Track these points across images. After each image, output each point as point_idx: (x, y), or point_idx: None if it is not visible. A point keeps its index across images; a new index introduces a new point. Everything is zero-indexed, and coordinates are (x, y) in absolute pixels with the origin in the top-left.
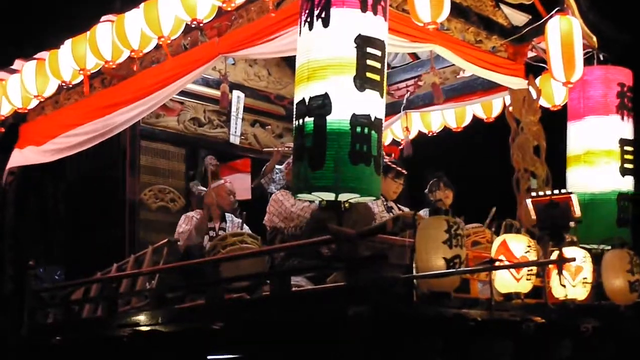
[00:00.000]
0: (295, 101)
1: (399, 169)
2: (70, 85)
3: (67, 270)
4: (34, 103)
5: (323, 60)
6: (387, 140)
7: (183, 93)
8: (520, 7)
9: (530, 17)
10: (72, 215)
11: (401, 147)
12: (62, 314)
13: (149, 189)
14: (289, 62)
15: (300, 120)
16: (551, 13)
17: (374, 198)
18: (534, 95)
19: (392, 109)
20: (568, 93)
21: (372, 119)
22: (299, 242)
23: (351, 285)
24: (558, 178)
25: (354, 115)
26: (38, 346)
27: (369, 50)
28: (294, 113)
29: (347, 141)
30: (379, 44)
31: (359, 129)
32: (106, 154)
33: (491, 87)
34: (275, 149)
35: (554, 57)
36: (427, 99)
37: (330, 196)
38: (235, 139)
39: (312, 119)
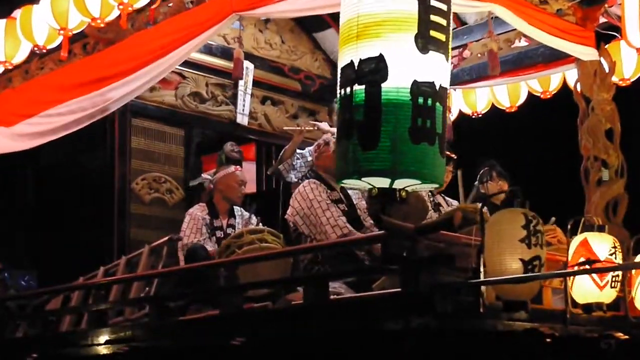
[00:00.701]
0: (341, 65)
1: (448, 152)
2: (45, 50)
3: (39, 275)
4: None
5: (378, 15)
6: None
7: (182, 62)
8: None
9: None
10: (45, 209)
11: None
12: (37, 327)
13: (142, 177)
14: (305, 28)
15: (348, 89)
16: None
17: (437, 185)
18: (607, 69)
19: None
20: None
21: (437, 87)
22: (344, 239)
23: (410, 292)
24: (633, 169)
25: (415, 83)
26: None
27: (433, 3)
28: (339, 79)
29: (407, 114)
30: None
31: (421, 100)
32: (88, 135)
33: (552, 59)
34: (298, 128)
35: (629, 17)
36: (473, 72)
37: (383, 182)
38: (243, 119)
39: (363, 86)
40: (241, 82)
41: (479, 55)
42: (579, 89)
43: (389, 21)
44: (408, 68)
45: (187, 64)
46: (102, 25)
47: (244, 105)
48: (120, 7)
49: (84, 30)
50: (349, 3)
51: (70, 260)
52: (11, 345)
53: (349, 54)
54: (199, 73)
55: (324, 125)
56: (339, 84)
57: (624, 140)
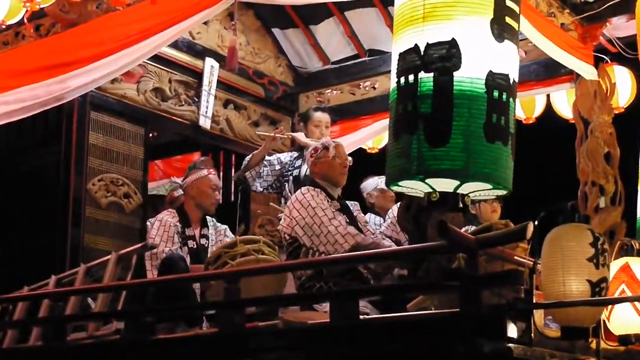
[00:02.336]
0: (398, 49)
1: None
2: (4, 26)
3: None
4: None
5: None
6: None
7: None
8: None
9: None
10: None
11: None
12: None
13: (99, 178)
14: (270, 31)
15: (410, 76)
16: None
17: (506, 192)
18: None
19: None
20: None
21: (510, 81)
22: (395, 248)
23: (470, 313)
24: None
25: (490, 74)
26: None
27: None
28: (396, 66)
29: (482, 109)
30: None
31: (496, 94)
32: (41, 126)
33: (547, 77)
34: (271, 134)
35: None
36: None
37: (448, 185)
38: (205, 122)
39: (431, 74)
40: (205, 81)
41: None
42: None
43: (462, 2)
44: (483, 56)
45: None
46: None
47: (207, 107)
48: None
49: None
50: None
51: (11, 268)
52: None
53: (411, 37)
54: (162, 67)
55: (301, 136)
56: (396, 71)
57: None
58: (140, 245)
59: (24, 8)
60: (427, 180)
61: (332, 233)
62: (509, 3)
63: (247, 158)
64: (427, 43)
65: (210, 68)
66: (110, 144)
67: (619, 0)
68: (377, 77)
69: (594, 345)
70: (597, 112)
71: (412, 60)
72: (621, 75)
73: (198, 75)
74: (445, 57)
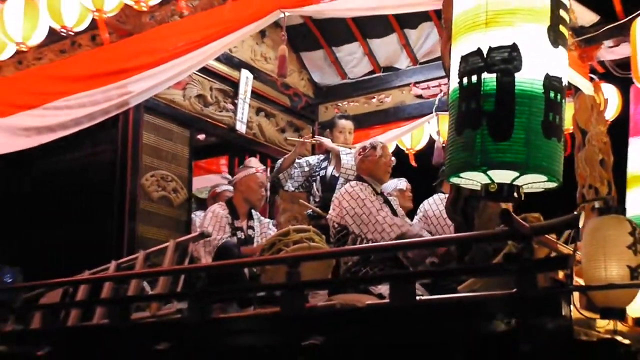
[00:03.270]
0: (459, 53)
1: None
2: (72, 33)
3: (24, 271)
4: (9, 52)
5: (511, 2)
6: (421, 142)
7: None
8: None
9: (599, 17)
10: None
11: None
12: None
13: (151, 174)
14: (295, 48)
15: (474, 77)
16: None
17: (557, 184)
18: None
19: (420, 110)
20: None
21: (563, 84)
22: (469, 234)
23: (526, 295)
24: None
25: (547, 76)
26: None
27: None
28: (457, 68)
29: (540, 107)
30: None
31: (552, 94)
32: (95, 125)
33: None
34: (301, 139)
35: None
36: None
37: (507, 177)
38: (241, 126)
39: (494, 75)
40: (241, 90)
41: None
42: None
43: (522, 10)
44: (541, 60)
45: None
46: (144, 8)
47: (242, 114)
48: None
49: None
50: None
51: (72, 253)
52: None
53: (474, 41)
54: (204, 77)
55: (327, 141)
56: (457, 72)
57: None
58: (197, 233)
59: (93, 16)
60: (488, 172)
61: (380, 222)
62: (562, 13)
63: (279, 161)
64: (490, 47)
65: (246, 79)
66: (160, 144)
67: (612, 26)
68: (390, 90)
69: (611, 326)
70: (593, 123)
71: (475, 62)
72: (608, 92)
73: (235, 84)
74: (507, 59)
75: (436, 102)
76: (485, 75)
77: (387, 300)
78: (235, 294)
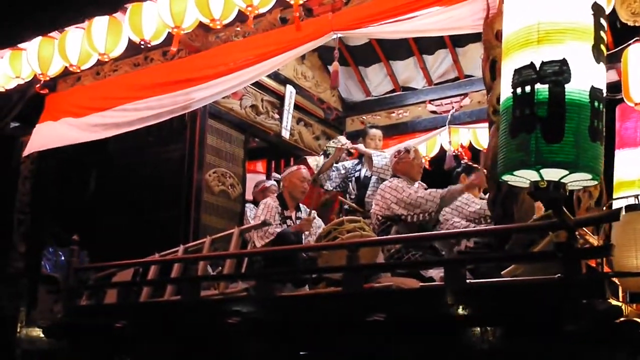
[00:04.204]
0: (513, 67)
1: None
2: (149, 45)
3: (90, 253)
4: (90, 62)
5: (560, 23)
6: (434, 150)
7: None
8: None
9: None
10: (111, 191)
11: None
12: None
13: (213, 171)
14: (327, 68)
15: (527, 87)
16: (630, 42)
17: (597, 182)
18: None
19: (434, 123)
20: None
21: (604, 95)
22: (522, 224)
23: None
24: None
25: (592, 88)
26: (88, 329)
27: (601, 20)
28: (511, 80)
29: (587, 115)
30: (605, 15)
31: (596, 104)
32: (168, 127)
33: None
34: (339, 145)
35: (633, 79)
36: (474, 115)
37: (556, 175)
38: (286, 133)
39: (546, 86)
40: (286, 102)
41: (478, 102)
42: None
43: (571, 30)
44: (586, 74)
45: None
46: (218, 26)
47: (287, 122)
48: (211, 23)
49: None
50: (528, 10)
51: (143, 237)
52: (83, 311)
53: (527, 56)
54: (257, 90)
55: (361, 147)
56: (510, 83)
57: None
58: (260, 222)
59: (171, 32)
60: (541, 170)
61: (422, 196)
62: (602, 34)
63: (321, 165)
64: (542, 61)
65: (290, 93)
66: (220, 145)
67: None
68: (408, 107)
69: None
70: None
71: (528, 74)
72: None
73: (280, 97)
74: (558, 72)
75: (449, 117)
76: (538, 85)
77: (438, 283)
78: (299, 275)
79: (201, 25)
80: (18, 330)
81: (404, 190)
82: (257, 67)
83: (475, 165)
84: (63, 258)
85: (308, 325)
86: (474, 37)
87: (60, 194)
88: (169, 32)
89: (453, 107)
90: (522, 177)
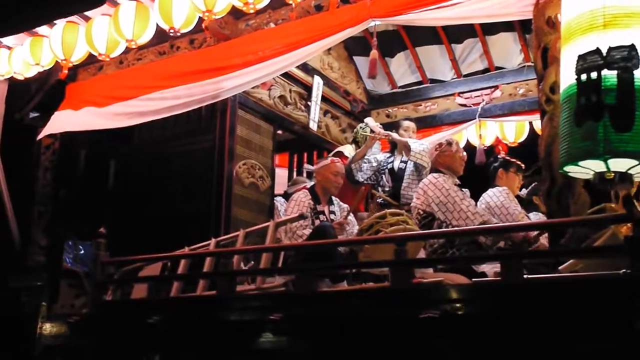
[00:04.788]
0: (577, 52)
1: (519, 162)
2: (178, 34)
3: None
4: (118, 50)
5: (627, 7)
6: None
7: None
8: None
9: None
10: (136, 183)
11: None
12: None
13: (243, 162)
14: (353, 59)
15: (593, 73)
16: None
17: None
18: None
19: (464, 116)
20: None
21: None
22: (590, 217)
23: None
24: None
25: None
26: (117, 325)
27: None
28: (575, 66)
29: None
30: None
31: None
32: (192, 118)
33: None
34: (373, 134)
35: None
36: (505, 108)
37: (624, 165)
38: (313, 125)
39: (614, 72)
40: (314, 94)
41: (509, 94)
42: None
43: (638, 14)
44: None
45: None
46: (252, 10)
47: (315, 114)
48: (244, 7)
49: (204, 24)
50: None
51: (171, 230)
52: (111, 306)
53: (592, 41)
54: (285, 80)
55: (395, 135)
56: (574, 69)
57: None
58: (297, 215)
59: (203, 17)
60: (609, 160)
61: (464, 211)
62: None
63: (353, 154)
64: (609, 46)
65: (317, 84)
66: (250, 136)
67: None
68: (437, 99)
69: None
70: None
71: (594, 60)
72: None
73: (308, 88)
74: (626, 58)
75: (479, 110)
76: (605, 72)
77: (492, 278)
78: (344, 270)
79: (232, 11)
80: (39, 325)
81: (448, 193)
82: (290, 56)
83: (514, 160)
84: (83, 251)
85: (354, 322)
86: (505, 26)
87: (82, 186)
88: (197, 20)
89: (483, 100)
90: (586, 168)
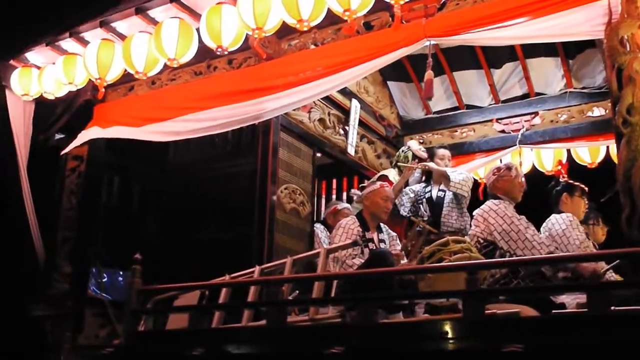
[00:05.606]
0: None
1: (583, 186)
2: (226, 52)
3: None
4: (156, 69)
5: None
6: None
7: None
8: None
9: None
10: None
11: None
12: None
13: (285, 187)
14: (386, 84)
15: None
16: None
17: None
18: None
19: (502, 143)
20: None
21: None
22: None
23: None
24: None
25: None
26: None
27: None
28: None
29: None
30: None
31: None
32: (232, 141)
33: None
34: (410, 165)
35: None
36: (546, 135)
37: None
38: (351, 149)
39: None
40: (352, 117)
41: (550, 121)
42: None
43: None
44: None
45: None
46: (306, 28)
47: (352, 138)
48: (347, 13)
49: (250, 42)
50: None
51: (210, 256)
52: (146, 337)
53: None
54: (324, 103)
55: (433, 165)
56: None
57: None
58: (350, 242)
59: (253, 34)
60: None
61: (530, 240)
62: None
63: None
64: None
65: (355, 107)
66: (291, 160)
67: None
68: (473, 125)
69: None
70: None
71: None
72: None
73: (346, 112)
74: None
75: (519, 136)
76: None
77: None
78: (410, 300)
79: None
80: (62, 357)
81: (512, 221)
82: (336, 77)
83: (577, 184)
84: (107, 279)
85: (424, 355)
86: (547, 50)
87: (108, 210)
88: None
89: (523, 127)
90: None
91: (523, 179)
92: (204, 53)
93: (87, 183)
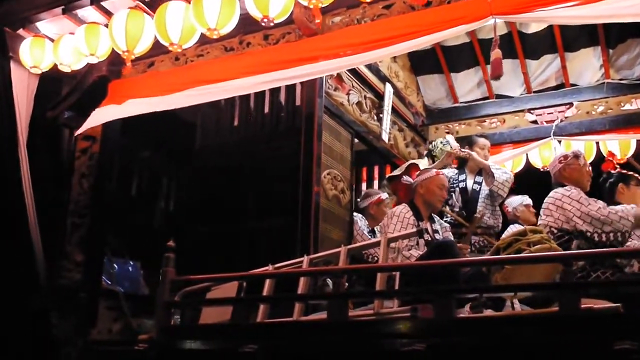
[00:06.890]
0: None
1: (637, 175)
2: (272, 24)
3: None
4: (192, 41)
5: None
6: (521, 165)
7: (353, 72)
8: None
9: None
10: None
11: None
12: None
13: (327, 172)
14: (415, 71)
15: None
16: None
17: None
18: None
19: (535, 134)
20: None
21: None
22: None
23: None
24: None
25: None
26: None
27: None
28: None
29: None
30: None
31: None
32: (273, 122)
33: None
34: (448, 147)
35: None
36: (583, 126)
37: None
38: (385, 136)
39: None
40: (385, 102)
41: (587, 112)
42: None
43: None
44: None
45: (355, 74)
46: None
47: (386, 124)
48: None
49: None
50: None
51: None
52: (182, 333)
53: None
54: (360, 85)
55: (476, 156)
56: None
57: None
58: (414, 230)
59: (309, 5)
60: None
61: (613, 212)
62: None
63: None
64: None
65: (389, 92)
66: (332, 144)
67: None
68: (504, 115)
69: None
70: None
71: None
72: None
73: (380, 96)
74: None
75: (553, 128)
76: None
77: None
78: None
79: None
80: (72, 353)
81: (589, 203)
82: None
83: (631, 173)
84: (117, 269)
85: (509, 352)
86: (588, 41)
87: (123, 194)
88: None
89: (558, 118)
90: None
91: (590, 168)
92: (237, 27)
93: (100, 166)
